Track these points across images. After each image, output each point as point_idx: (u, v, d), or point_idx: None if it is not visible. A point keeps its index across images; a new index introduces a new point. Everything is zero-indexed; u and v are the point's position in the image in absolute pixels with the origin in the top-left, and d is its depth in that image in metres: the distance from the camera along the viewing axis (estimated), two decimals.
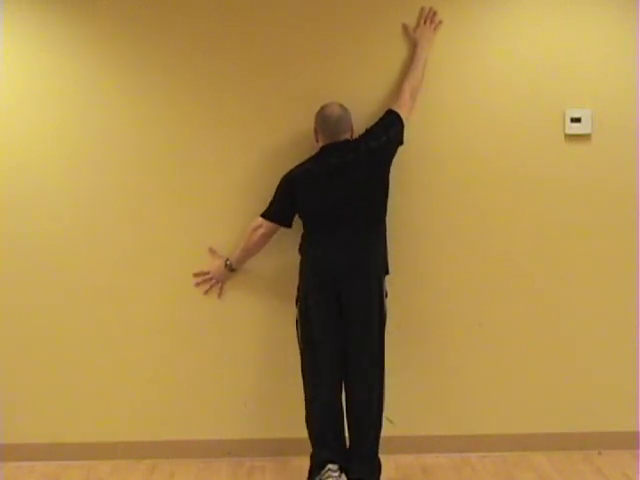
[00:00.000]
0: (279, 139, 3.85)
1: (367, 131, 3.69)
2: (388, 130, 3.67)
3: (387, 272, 3.64)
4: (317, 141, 3.67)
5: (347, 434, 3.60)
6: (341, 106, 3.64)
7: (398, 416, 3.78)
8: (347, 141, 3.63)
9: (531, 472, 3.81)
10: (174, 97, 3.88)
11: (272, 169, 3.78)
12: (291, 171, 3.67)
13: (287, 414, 3.86)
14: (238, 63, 3.86)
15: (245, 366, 3.98)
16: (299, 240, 3.67)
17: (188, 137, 3.89)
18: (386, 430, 3.62)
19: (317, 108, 3.64)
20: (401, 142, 3.71)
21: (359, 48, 3.86)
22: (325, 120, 3.62)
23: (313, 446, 3.59)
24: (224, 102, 3.88)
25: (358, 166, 3.56)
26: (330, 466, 3.49)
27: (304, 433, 3.61)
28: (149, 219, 3.92)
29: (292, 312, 3.61)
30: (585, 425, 4.02)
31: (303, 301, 3.57)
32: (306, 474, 3.58)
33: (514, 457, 3.96)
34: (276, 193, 3.70)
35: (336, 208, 3.55)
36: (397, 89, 3.79)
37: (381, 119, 3.72)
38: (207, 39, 3.85)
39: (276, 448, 3.97)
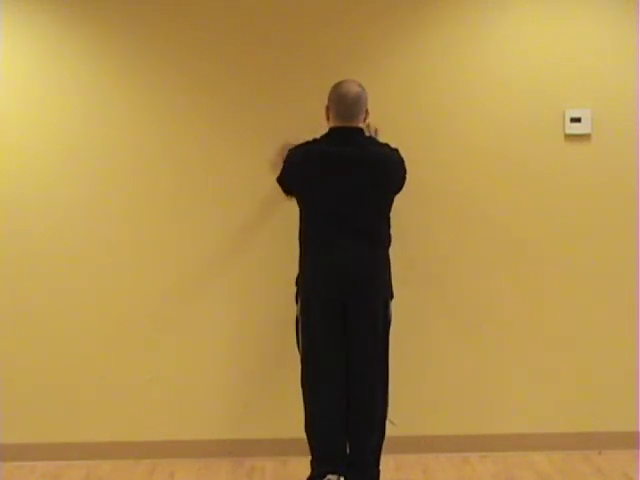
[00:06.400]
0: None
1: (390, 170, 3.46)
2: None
3: (390, 276, 3.55)
4: (327, 119, 3.44)
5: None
6: (359, 85, 3.39)
7: (398, 416, 3.77)
8: (362, 132, 3.41)
9: (531, 472, 3.82)
10: (175, 98, 3.88)
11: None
12: (305, 146, 3.41)
13: (287, 414, 3.85)
14: (240, 65, 3.86)
15: (245, 366, 3.98)
16: (297, 236, 3.54)
17: (188, 139, 3.89)
18: (386, 430, 3.61)
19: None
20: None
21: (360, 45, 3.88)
22: (340, 99, 3.36)
23: (313, 455, 3.51)
24: (225, 104, 3.88)
25: (367, 173, 3.36)
26: (330, 477, 3.43)
27: (304, 433, 3.59)
28: (149, 220, 3.92)
29: (292, 311, 3.60)
30: (585, 425, 4.02)
31: (304, 304, 3.47)
32: (306, 474, 3.57)
33: (514, 457, 3.96)
34: (288, 166, 3.46)
35: (343, 202, 3.35)
36: None
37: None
38: (208, 41, 3.86)
39: (276, 448, 3.96)
